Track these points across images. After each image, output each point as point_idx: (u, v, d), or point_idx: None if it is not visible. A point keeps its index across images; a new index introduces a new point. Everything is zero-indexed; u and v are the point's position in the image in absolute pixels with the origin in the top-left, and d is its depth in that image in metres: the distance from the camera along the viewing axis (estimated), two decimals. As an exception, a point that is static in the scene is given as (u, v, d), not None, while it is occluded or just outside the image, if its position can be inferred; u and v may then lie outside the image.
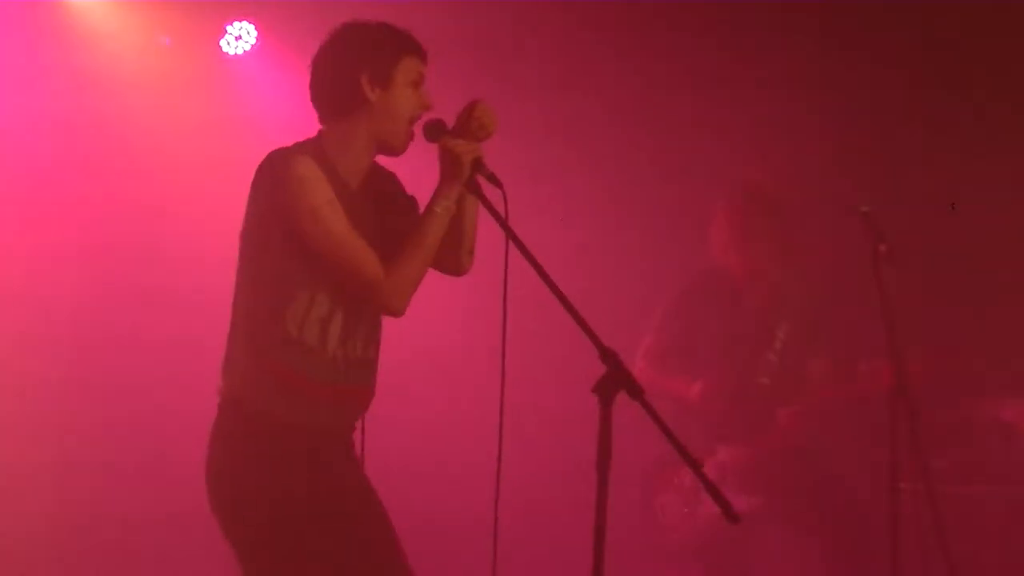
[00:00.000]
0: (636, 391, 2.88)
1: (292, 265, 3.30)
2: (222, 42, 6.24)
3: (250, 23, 6.23)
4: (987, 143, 5.75)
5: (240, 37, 6.22)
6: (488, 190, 3.34)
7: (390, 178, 3.60)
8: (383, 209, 3.49)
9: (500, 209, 3.22)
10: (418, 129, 3.42)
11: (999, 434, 5.42)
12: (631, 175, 6.18)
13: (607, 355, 2.91)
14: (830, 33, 6.00)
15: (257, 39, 6.20)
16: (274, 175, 3.29)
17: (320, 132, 3.44)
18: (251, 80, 6.17)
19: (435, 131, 3.39)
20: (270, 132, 5.85)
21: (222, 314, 5.94)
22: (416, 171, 3.59)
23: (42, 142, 5.87)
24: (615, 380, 2.88)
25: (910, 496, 4.34)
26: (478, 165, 3.34)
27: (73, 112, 5.92)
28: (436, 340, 5.94)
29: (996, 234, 5.78)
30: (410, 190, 3.63)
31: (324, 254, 3.28)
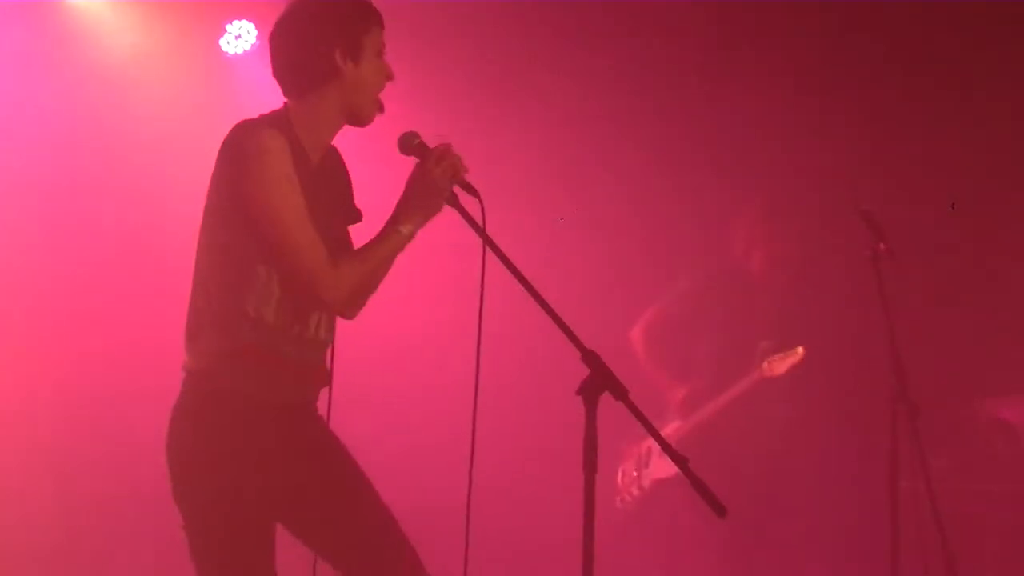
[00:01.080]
0: (620, 392, 2.88)
1: (251, 240, 3.24)
2: (222, 41, 6.24)
3: (250, 22, 6.23)
4: (987, 143, 5.75)
5: (240, 36, 6.22)
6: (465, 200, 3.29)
7: (343, 170, 3.55)
8: (332, 196, 3.46)
9: (477, 218, 3.18)
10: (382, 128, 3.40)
11: (999, 432, 5.42)
12: (615, 178, 6.15)
13: (589, 357, 2.91)
14: (829, 33, 6.00)
15: (257, 38, 6.21)
16: (237, 147, 3.24)
17: (286, 105, 3.38)
18: (251, 79, 6.16)
19: (415, 146, 3.32)
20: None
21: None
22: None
23: (42, 141, 5.87)
24: (599, 382, 2.88)
25: (910, 494, 4.34)
26: (456, 177, 3.28)
27: (73, 111, 5.92)
28: (417, 350, 5.93)
29: (996, 234, 5.78)
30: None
31: (268, 231, 3.21)
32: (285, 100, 3.41)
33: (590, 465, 2.85)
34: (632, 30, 6.19)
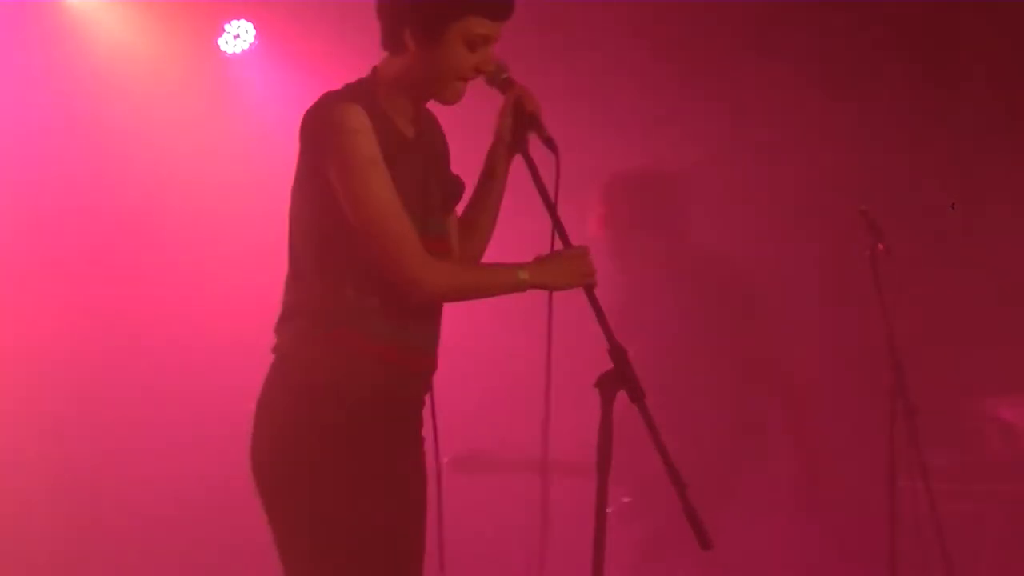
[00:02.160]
0: (637, 394, 2.79)
1: (345, 221, 2.99)
2: (220, 41, 6.23)
3: (248, 21, 6.22)
4: (987, 142, 5.76)
5: (238, 36, 6.21)
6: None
7: (441, 141, 3.30)
8: (430, 171, 3.20)
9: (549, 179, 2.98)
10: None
11: (997, 432, 5.43)
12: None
13: (616, 352, 2.83)
14: (830, 32, 6.00)
15: (256, 38, 6.20)
16: (319, 126, 3.01)
17: (376, 66, 3.14)
18: (249, 79, 6.16)
19: (501, 81, 3.07)
20: (269, 131, 5.89)
21: (219, 312, 5.96)
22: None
23: (40, 141, 5.86)
24: (618, 378, 2.80)
25: (908, 494, 4.35)
26: (534, 122, 3.05)
27: (69, 110, 5.92)
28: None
29: (996, 234, 5.78)
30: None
31: (356, 217, 2.97)
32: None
33: (604, 461, 2.79)
34: (630, 27, 6.19)
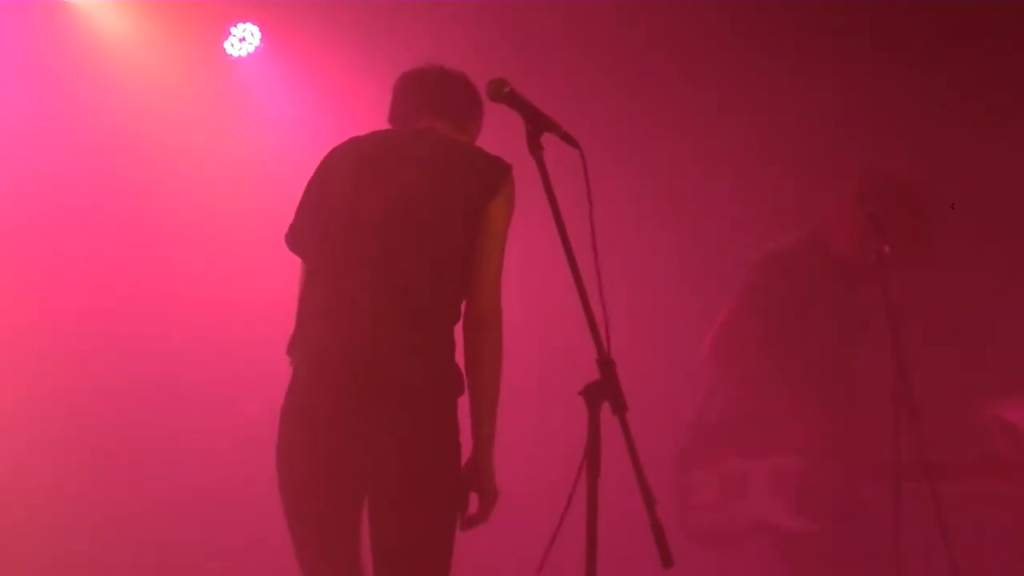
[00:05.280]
0: (619, 406, 2.84)
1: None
2: (226, 44, 6.25)
3: (254, 24, 6.24)
4: (987, 142, 5.76)
5: (244, 39, 6.23)
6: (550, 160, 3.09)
7: None
8: None
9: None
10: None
11: (1003, 434, 5.42)
12: (619, 182, 6.11)
13: (605, 363, 2.87)
14: (831, 32, 6.00)
15: (261, 41, 6.21)
16: (505, 175, 3.47)
17: (456, 136, 3.61)
18: (255, 82, 6.17)
19: (504, 95, 3.05)
20: (274, 134, 5.90)
21: (221, 313, 5.96)
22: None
23: (44, 144, 5.89)
24: (603, 389, 2.85)
25: (913, 495, 4.34)
26: (549, 124, 3.08)
27: (75, 113, 5.94)
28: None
29: (996, 234, 5.78)
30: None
31: (497, 252, 3.42)
32: (444, 124, 3.63)
33: (592, 468, 2.83)
34: (633, 31, 6.19)
